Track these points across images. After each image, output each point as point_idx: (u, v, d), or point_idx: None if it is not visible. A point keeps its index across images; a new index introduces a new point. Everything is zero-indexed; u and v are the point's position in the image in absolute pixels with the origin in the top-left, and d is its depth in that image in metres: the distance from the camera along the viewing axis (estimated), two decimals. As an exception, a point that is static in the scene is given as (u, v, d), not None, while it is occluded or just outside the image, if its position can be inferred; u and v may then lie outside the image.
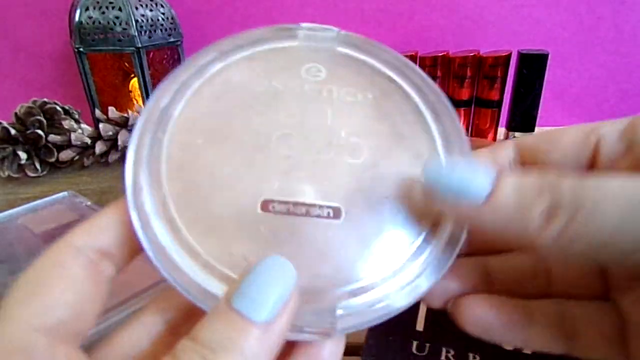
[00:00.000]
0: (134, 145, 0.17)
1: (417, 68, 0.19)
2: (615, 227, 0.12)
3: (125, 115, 0.48)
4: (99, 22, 0.50)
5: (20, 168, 0.45)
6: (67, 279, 0.14)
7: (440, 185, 0.14)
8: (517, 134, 0.56)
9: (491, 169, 0.14)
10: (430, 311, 0.23)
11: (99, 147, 0.46)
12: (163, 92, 0.18)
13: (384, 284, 0.16)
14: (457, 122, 0.18)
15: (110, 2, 0.49)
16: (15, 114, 0.45)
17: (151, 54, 0.54)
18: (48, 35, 0.68)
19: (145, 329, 0.16)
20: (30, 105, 0.45)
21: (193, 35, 0.67)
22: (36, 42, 0.68)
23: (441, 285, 0.16)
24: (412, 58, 0.56)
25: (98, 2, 0.50)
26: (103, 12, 0.50)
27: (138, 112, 0.49)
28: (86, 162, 0.48)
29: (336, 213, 0.16)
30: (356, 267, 0.16)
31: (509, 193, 0.13)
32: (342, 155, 0.17)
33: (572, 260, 0.16)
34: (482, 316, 0.16)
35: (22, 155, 0.43)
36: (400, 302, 0.15)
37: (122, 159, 0.49)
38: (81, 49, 0.51)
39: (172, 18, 0.55)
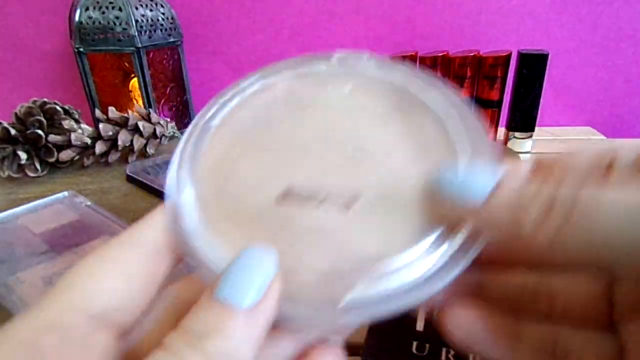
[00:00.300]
0: (179, 150, 0.19)
1: (443, 82, 0.20)
2: (610, 226, 0.12)
3: (125, 115, 0.48)
4: (99, 22, 0.50)
5: (20, 168, 0.45)
6: (120, 270, 0.14)
7: (447, 186, 0.15)
8: (517, 134, 0.56)
9: (494, 175, 0.15)
10: (430, 311, 0.23)
11: (99, 147, 0.46)
12: (208, 107, 0.20)
13: (395, 279, 0.16)
14: (483, 134, 0.18)
15: (111, 2, 0.49)
16: (15, 114, 0.45)
17: (151, 54, 0.54)
18: (48, 36, 0.68)
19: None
20: (30, 105, 0.45)
21: (193, 35, 0.67)
22: (36, 42, 0.68)
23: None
24: (412, 58, 0.56)
25: (98, 2, 0.50)
26: (103, 12, 0.50)
27: (138, 112, 0.49)
28: (86, 162, 0.48)
29: (355, 209, 0.17)
30: (370, 261, 0.16)
31: (509, 194, 0.14)
32: (368, 162, 0.18)
33: (571, 261, 0.16)
34: (467, 325, 0.16)
35: (22, 156, 0.43)
36: (408, 299, 0.16)
37: (122, 159, 0.49)
38: (81, 49, 0.51)
39: (172, 18, 0.55)
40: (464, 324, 0.17)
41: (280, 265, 0.15)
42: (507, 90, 0.55)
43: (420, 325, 0.22)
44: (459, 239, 0.16)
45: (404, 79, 0.20)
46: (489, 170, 0.15)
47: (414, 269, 0.16)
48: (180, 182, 0.18)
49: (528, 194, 0.14)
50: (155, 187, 0.41)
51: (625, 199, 0.12)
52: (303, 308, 0.15)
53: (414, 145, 0.19)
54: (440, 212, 0.16)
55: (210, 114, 0.20)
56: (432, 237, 0.16)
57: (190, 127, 0.19)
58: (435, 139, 0.19)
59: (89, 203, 0.35)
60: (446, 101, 0.19)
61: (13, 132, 0.43)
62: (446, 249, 0.16)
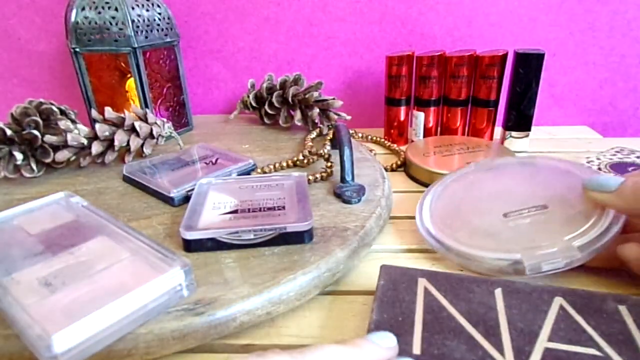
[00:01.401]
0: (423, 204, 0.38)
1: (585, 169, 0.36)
2: None
3: (122, 115, 0.48)
4: (95, 22, 0.50)
5: (16, 169, 0.44)
6: None
7: (591, 185, 0.31)
8: (513, 133, 0.56)
9: (620, 178, 0.29)
10: (425, 333, 0.23)
11: (96, 148, 0.46)
12: (433, 187, 0.40)
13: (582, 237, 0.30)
14: None
15: (107, 2, 0.49)
16: (11, 114, 0.45)
17: (147, 54, 0.53)
18: (44, 35, 0.67)
19: None
20: (26, 105, 0.45)
21: (189, 35, 0.67)
22: (32, 43, 0.68)
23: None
24: (409, 58, 0.56)
25: (94, 2, 0.49)
26: (99, 12, 0.49)
27: (134, 113, 0.49)
28: (82, 162, 0.47)
29: (544, 208, 0.33)
30: (568, 218, 0.32)
31: (629, 185, 0.29)
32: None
33: None
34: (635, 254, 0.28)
35: (18, 156, 0.43)
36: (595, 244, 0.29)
37: (118, 159, 0.49)
38: (77, 49, 0.51)
39: (169, 18, 0.55)
40: (633, 253, 0.28)
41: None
42: (504, 89, 0.55)
43: (417, 349, 0.22)
44: (611, 215, 0.30)
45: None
46: (610, 176, 0.30)
47: (592, 231, 0.30)
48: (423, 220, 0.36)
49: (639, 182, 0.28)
50: (152, 187, 0.41)
51: None
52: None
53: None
54: (594, 199, 0.31)
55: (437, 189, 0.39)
56: (602, 216, 0.30)
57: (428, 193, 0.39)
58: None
59: (85, 203, 0.35)
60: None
61: (9, 132, 0.43)
62: (608, 218, 0.30)
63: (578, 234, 0.30)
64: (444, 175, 0.41)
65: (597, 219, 0.30)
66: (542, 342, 0.22)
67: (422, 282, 0.27)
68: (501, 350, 0.22)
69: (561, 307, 0.25)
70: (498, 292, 0.26)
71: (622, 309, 0.25)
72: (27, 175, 0.45)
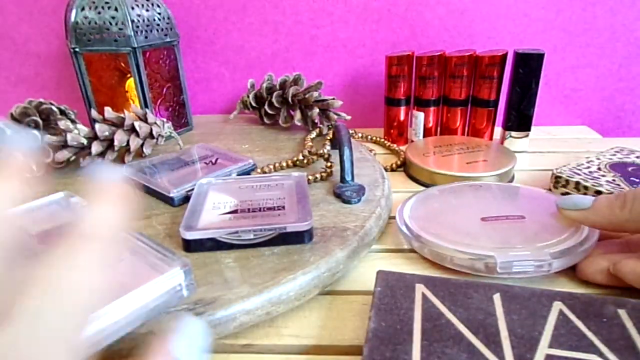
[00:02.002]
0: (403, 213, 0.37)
1: None
2: None
3: (122, 115, 0.48)
4: (95, 22, 0.50)
5: (16, 169, 0.44)
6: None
7: (566, 204, 0.32)
8: (513, 133, 0.56)
9: (591, 197, 0.31)
10: (424, 342, 0.23)
11: (95, 148, 0.46)
12: (406, 202, 0.39)
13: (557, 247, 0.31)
14: None
15: (107, 2, 0.49)
16: (11, 114, 0.45)
17: (147, 54, 0.53)
18: (44, 35, 0.67)
19: None
20: (26, 105, 0.45)
21: (189, 35, 0.67)
22: (32, 42, 0.68)
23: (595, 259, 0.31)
24: (409, 58, 0.56)
25: (94, 2, 0.49)
26: (99, 12, 0.49)
27: (134, 113, 0.49)
28: (82, 162, 0.47)
29: (522, 218, 0.35)
30: (542, 231, 0.33)
31: (603, 200, 0.30)
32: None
33: None
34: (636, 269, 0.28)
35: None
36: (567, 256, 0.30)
37: (118, 159, 0.49)
38: (77, 49, 0.51)
39: (169, 18, 0.55)
40: (633, 268, 0.28)
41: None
42: (504, 89, 0.55)
43: (416, 358, 0.22)
44: (585, 230, 0.32)
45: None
46: (583, 196, 0.32)
47: (567, 242, 0.31)
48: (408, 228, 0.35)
49: (612, 199, 0.30)
50: (152, 187, 0.41)
51: None
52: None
53: None
54: (569, 218, 0.32)
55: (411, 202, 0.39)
56: (577, 230, 0.32)
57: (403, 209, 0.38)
58: None
59: (85, 204, 0.35)
60: None
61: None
62: (582, 234, 0.32)
63: (552, 243, 0.31)
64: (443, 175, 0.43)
65: (573, 232, 0.32)
66: (543, 349, 0.22)
67: (420, 288, 0.27)
68: (502, 358, 0.22)
69: (561, 312, 0.25)
70: (497, 297, 0.26)
71: (622, 313, 0.24)
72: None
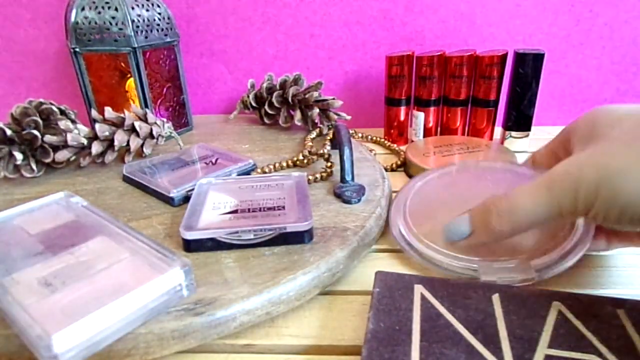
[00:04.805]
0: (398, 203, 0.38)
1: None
2: (530, 210, 0.26)
3: (122, 115, 0.48)
4: (95, 22, 0.50)
5: (16, 169, 0.44)
6: None
7: (449, 237, 0.31)
8: (513, 133, 0.56)
9: (465, 216, 0.30)
10: (423, 343, 0.23)
11: (95, 148, 0.46)
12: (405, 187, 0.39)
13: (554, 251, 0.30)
14: None
15: (107, 2, 0.49)
16: (11, 114, 0.45)
17: (147, 54, 0.53)
18: (44, 35, 0.67)
19: None
20: (26, 105, 0.45)
21: (189, 35, 0.67)
22: (32, 42, 0.68)
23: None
24: (409, 58, 0.56)
25: (94, 2, 0.49)
26: (99, 12, 0.49)
27: (134, 113, 0.49)
28: (82, 162, 0.47)
29: None
30: (534, 244, 0.31)
31: (478, 222, 0.29)
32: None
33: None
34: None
35: (18, 156, 0.43)
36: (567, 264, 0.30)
37: (118, 159, 0.49)
38: (77, 49, 0.51)
39: (169, 18, 0.55)
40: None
41: None
42: (504, 89, 0.55)
43: (415, 359, 0.22)
44: (578, 234, 0.31)
45: None
46: (459, 222, 0.31)
47: (555, 251, 0.30)
48: (395, 220, 0.36)
49: (477, 218, 0.30)
50: (152, 187, 0.41)
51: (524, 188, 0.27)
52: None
53: None
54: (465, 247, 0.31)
55: (414, 184, 0.39)
56: (568, 235, 0.31)
57: (400, 193, 0.39)
58: None
59: (85, 203, 0.35)
60: None
61: (9, 132, 0.43)
62: (572, 241, 0.31)
63: (540, 252, 0.30)
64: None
65: (563, 237, 0.31)
66: (542, 349, 0.22)
67: (419, 289, 0.27)
68: (501, 358, 0.22)
69: (559, 312, 0.25)
70: (495, 297, 0.26)
71: (621, 312, 0.24)
72: (27, 175, 0.45)
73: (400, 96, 0.58)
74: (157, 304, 0.25)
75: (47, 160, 0.45)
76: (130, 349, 0.24)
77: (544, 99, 0.65)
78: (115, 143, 0.47)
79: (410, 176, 0.50)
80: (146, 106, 0.55)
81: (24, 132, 0.44)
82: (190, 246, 0.32)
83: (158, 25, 0.53)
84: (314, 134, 0.55)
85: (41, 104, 0.46)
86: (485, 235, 0.28)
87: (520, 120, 0.55)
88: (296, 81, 0.58)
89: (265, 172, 0.45)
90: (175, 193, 0.39)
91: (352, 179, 0.41)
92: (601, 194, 0.23)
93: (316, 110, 0.54)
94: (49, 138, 0.45)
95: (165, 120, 0.51)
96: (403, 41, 0.65)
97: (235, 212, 0.34)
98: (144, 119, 0.49)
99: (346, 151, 0.41)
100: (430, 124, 0.59)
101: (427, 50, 0.58)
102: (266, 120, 0.61)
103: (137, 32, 0.50)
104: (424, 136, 0.59)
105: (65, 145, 0.45)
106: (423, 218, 0.35)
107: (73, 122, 0.47)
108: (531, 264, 0.29)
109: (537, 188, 0.26)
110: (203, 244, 0.31)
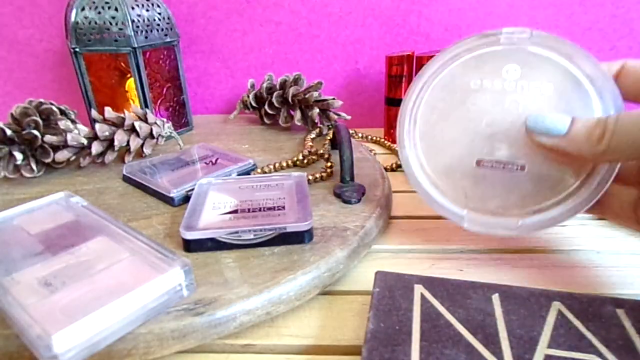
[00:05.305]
0: (403, 122, 0.33)
1: (589, 58, 0.28)
2: (635, 139, 0.24)
3: (122, 115, 0.48)
4: (95, 22, 0.50)
5: (16, 169, 0.44)
6: None
7: (536, 127, 0.28)
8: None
9: (567, 117, 0.27)
10: (423, 343, 0.23)
11: (95, 148, 0.46)
12: (412, 88, 0.33)
13: (552, 209, 0.29)
14: (621, 103, 0.28)
15: (107, 2, 0.49)
16: (11, 114, 0.45)
17: (147, 54, 0.53)
18: (44, 36, 0.67)
19: None
20: (26, 105, 0.45)
21: (189, 35, 0.67)
22: (32, 42, 0.68)
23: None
24: (409, 58, 0.56)
25: (94, 2, 0.49)
26: (99, 12, 0.50)
27: (134, 113, 0.49)
28: (82, 162, 0.47)
29: (522, 168, 0.29)
30: (533, 199, 0.29)
31: (580, 129, 0.26)
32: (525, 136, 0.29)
33: (621, 158, 0.26)
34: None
35: (18, 156, 0.43)
36: (563, 218, 0.28)
37: (118, 159, 0.49)
38: (77, 49, 0.51)
39: (169, 18, 0.55)
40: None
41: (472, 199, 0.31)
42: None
43: (415, 359, 0.22)
44: (595, 180, 0.28)
45: (560, 54, 0.28)
46: (559, 116, 0.27)
47: (565, 202, 0.29)
48: (403, 142, 0.33)
49: (590, 127, 0.26)
50: (152, 187, 0.41)
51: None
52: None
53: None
54: (542, 145, 0.28)
55: (415, 93, 0.32)
56: (576, 183, 0.28)
57: (404, 103, 0.33)
58: (581, 108, 0.28)
59: (85, 203, 0.35)
60: (593, 73, 0.28)
61: (9, 132, 0.43)
62: (585, 189, 0.28)
63: (528, 212, 0.29)
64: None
65: (565, 197, 0.28)
66: (542, 349, 0.22)
67: (419, 289, 0.27)
68: (501, 358, 0.22)
69: (559, 312, 0.25)
70: (495, 297, 0.26)
71: (621, 312, 0.24)
72: (27, 175, 0.45)
73: (400, 96, 0.58)
74: (157, 304, 0.25)
75: (47, 160, 0.45)
76: (130, 349, 0.24)
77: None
78: (115, 143, 0.47)
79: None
80: (146, 106, 0.55)
81: (24, 132, 0.44)
82: (190, 246, 0.32)
83: (158, 25, 0.53)
84: (314, 134, 0.55)
85: (41, 104, 0.46)
86: (576, 146, 0.26)
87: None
88: (296, 81, 0.58)
89: (265, 172, 0.45)
90: (175, 193, 0.39)
91: (352, 179, 0.41)
92: None
93: (316, 110, 0.54)
94: (49, 138, 0.45)
95: (165, 120, 0.51)
96: (403, 41, 0.65)
97: (235, 212, 0.34)
98: (144, 119, 0.49)
99: (346, 151, 0.41)
100: (430, 124, 0.59)
101: (427, 50, 0.58)
102: (266, 120, 0.61)
103: (137, 32, 0.50)
104: (424, 136, 0.59)
105: (65, 145, 0.45)
106: (431, 142, 0.32)
107: (73, 122, 0.47)
108: (519, 223, 0.30)
109: None
110: (203, 244, 0.31)
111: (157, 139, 0.50)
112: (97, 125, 0.46)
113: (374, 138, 0.61)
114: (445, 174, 0.32)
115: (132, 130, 0.48)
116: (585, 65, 0.28)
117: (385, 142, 0.59)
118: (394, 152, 0.57)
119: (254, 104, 0.61)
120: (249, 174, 0.45)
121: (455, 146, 0.31)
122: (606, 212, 0.30)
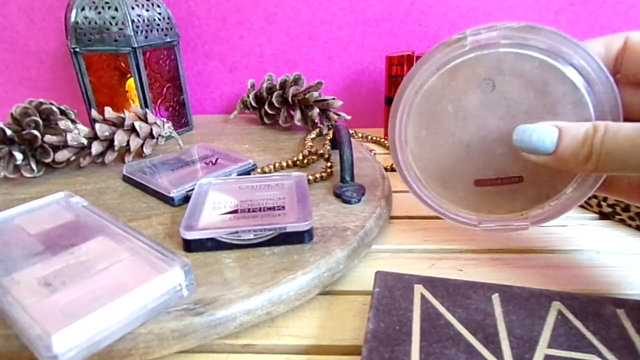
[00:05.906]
0: (394, 135, 0.33)
1: (571, 42, 0.26)
2: (623, 161, 0.23)
3: (122, 115, 0.48)
4: (95, 22, 0.50)
5: (16, 169, 0.44)
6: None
7: (523, 144, 0.26)
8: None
9: (554, 131, 0.25)
10: (423, 343, 0.23)
11: (95, 148, 0.46)
12: (393, 115, 0.32)
13: (562, 197, 0.29)
14: (614, 91, 0.26)
15: (107, 2, 0.49)
16: (11, 114, 0.45)
17: (147, 54, 0.53)
18: (44, 35, 0.67)
19: None
20: (26, 105, 0.45)
21: (189, 35, 0.67)
22: (32, 42, 0.68)
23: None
24: (409, 58, 0.56)
25: (94, 2, 0.49)
26: (99, 12, 0.50)
27: (134, 113, 0.49)
28: (82, 162, 0.48)
29: (520, 179, 0.30)
30: (540, 197, 0.30)
31: (566, 145, 0.25)
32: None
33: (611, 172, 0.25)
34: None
35: (18, 156, 0.43)
36: (563, 210, 0.29)
37: (118, 159, 0.49)
38: (77, 49, 0.51)
39: (169, 18, 0.55)
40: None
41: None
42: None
43: (415, 359, 0.22)
44: (589, 180, 0.28)
45: (536, 52, 0.27)
46: (545, 129, 0.26)
47: (560, 198, 0.30)
48: (399, 160, 0.33)
49: (577, 146, 0.24)
50: (152, 187, 0.41)
51: (628, 135, 0.23)
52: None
53: (548, 114, 0.27)
54: (530, 160, 0.27)
55: (400, 113, 0.32)
56: (572, 184, 0.29)
57: (391, 118, 0.32)
58: (566, 105, 0.27)
59: (85, 203, 0.35)
60: (579, 62, 0.26)
61: (9, 132, 0.43)
62: (577, 186, 0.28)
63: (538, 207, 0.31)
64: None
65: (571, 188, 0.29)
66: (542, 349, 0.22)
67: (419, 289, 0.27)
68: (501, 358, 0.22)
69: (559, 312, 0.25)
70: (495, 297, 0.26)
71: (621, 312, 0.24)
72: (27, 175, 0.45)
73: (400, 96, 0.58)
74: (157, 304, 0.25)
75: (47, 160, 0.45)
76: (130, 349, 0.24)
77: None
78: (115, 143, 0.47)
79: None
80: (146, 106, 0.55)
81: (24, 132, 0.44)
82: (190, 246, 0.32)
83: (158, 25, 0.53)
84: (314, 134, 0.55)
85: (41, 104, 0.46)
86: (563, 163, 0.25)
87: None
88: (296, 81, 0.58)
89: (265, 172, 0.45)
90: (175, 193, 0.39)
91: (352, 179, 0.41)
92: None
93: (316, 110, 0.54)
94: (49, 138, 0.45)
95: (165, 120, 0.51)
96: (403, 41, 0.65)
97: (235, 212, 0.34)
98: (144, 119, 0.49)
99: (346, 151, 0.41)
100: (430, 124, 0.59)
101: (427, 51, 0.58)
102: (266, 120, 0.61)
103: (137, 32, 0.50)
104: (424, 136, 0.59)
105: (65, 145, 0.45)
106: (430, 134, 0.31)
107: (73, 122, 0.47)
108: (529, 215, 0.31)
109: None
110: (203, 244, 0.31)
111: (157, 139, 0.50)
112: (97, 125, 0.46)
113: (374, 138, 0.61)
114: (448, 198, 0.33)
115: (132, 130, 0.48)
116: (567, 52, 0.26)
117: (385, 142, 0.59)
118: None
119: (254, 104, 0.61)
120: (249, 174, 0.45)
121: (452, 169, 0.31)
122: (614, 190, 0.29)
